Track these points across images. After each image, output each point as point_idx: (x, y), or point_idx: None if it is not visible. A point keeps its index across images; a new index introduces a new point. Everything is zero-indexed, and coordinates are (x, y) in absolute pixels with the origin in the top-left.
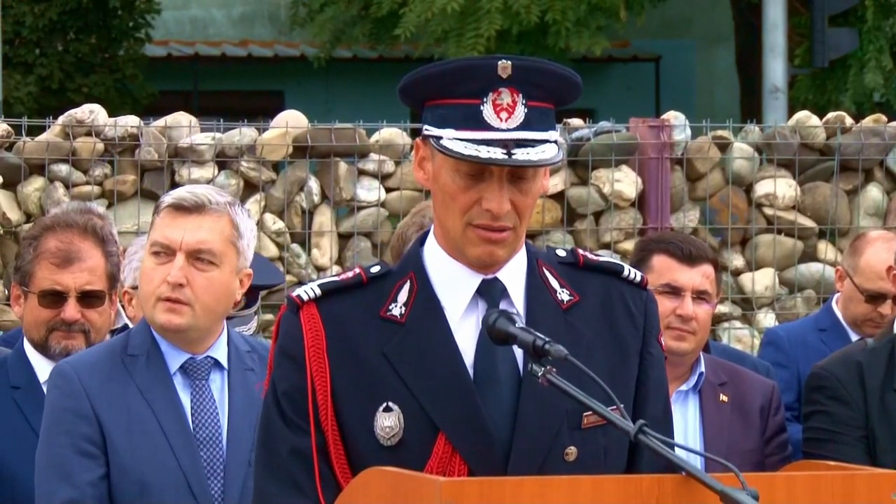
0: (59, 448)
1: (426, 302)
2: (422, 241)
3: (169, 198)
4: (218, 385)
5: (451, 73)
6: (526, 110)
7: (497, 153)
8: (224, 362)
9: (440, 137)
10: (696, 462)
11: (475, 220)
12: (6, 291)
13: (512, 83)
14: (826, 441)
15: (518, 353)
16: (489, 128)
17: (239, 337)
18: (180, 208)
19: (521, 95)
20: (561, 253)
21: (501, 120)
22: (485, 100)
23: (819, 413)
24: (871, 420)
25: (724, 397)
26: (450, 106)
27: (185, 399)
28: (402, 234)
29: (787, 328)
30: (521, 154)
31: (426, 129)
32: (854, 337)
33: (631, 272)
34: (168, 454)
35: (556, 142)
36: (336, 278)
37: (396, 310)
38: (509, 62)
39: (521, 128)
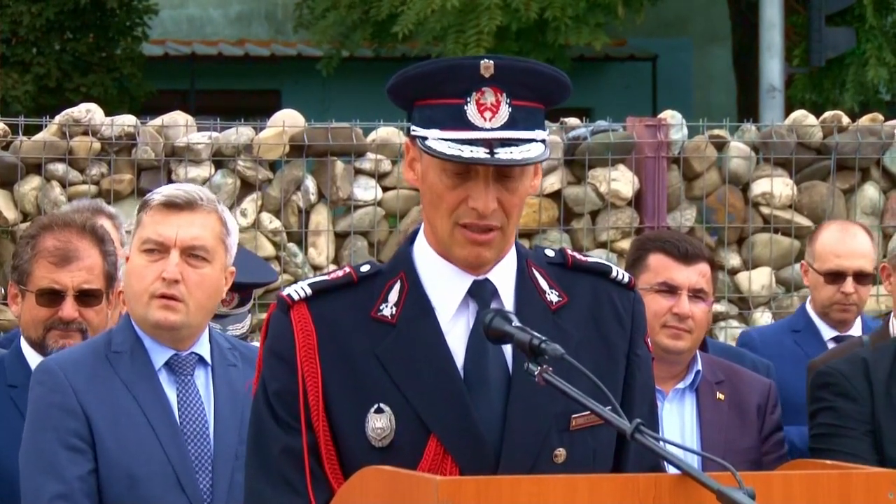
0: (47, 443)
1: (417, 302)
2: (411, 239)
3: (158, 195)
4: (202, 381)
5: (434, 74)
6: (511, 109)
7: (480, 153)
8: (207, 358)
9: (425, 138)
10: (692, 461)
11: (462, 219)
12: (2, 291)
13: (495, 82)
14: (832, 436)
15: (507, 354)
16: (473, 127)
17: (219, 334)
18: (172, 205)
19: (504, 95)
20: (550, 253)
21: (485, 119)
22: (468, 99)
23: (825, 410)
24: (877, 415)
25: (720, 396)
26: (435, 106)
27: (171, 394)
28: None
29: (760, 331)
30: (504, 153)
31: (413, 130)
32: (828, 336)
33: (619, 273)
34: (156, 447)
35: (543, 141)
36: (326, 277)
37: (387, 310)
38: (492, 62)
39: (505, 127)
